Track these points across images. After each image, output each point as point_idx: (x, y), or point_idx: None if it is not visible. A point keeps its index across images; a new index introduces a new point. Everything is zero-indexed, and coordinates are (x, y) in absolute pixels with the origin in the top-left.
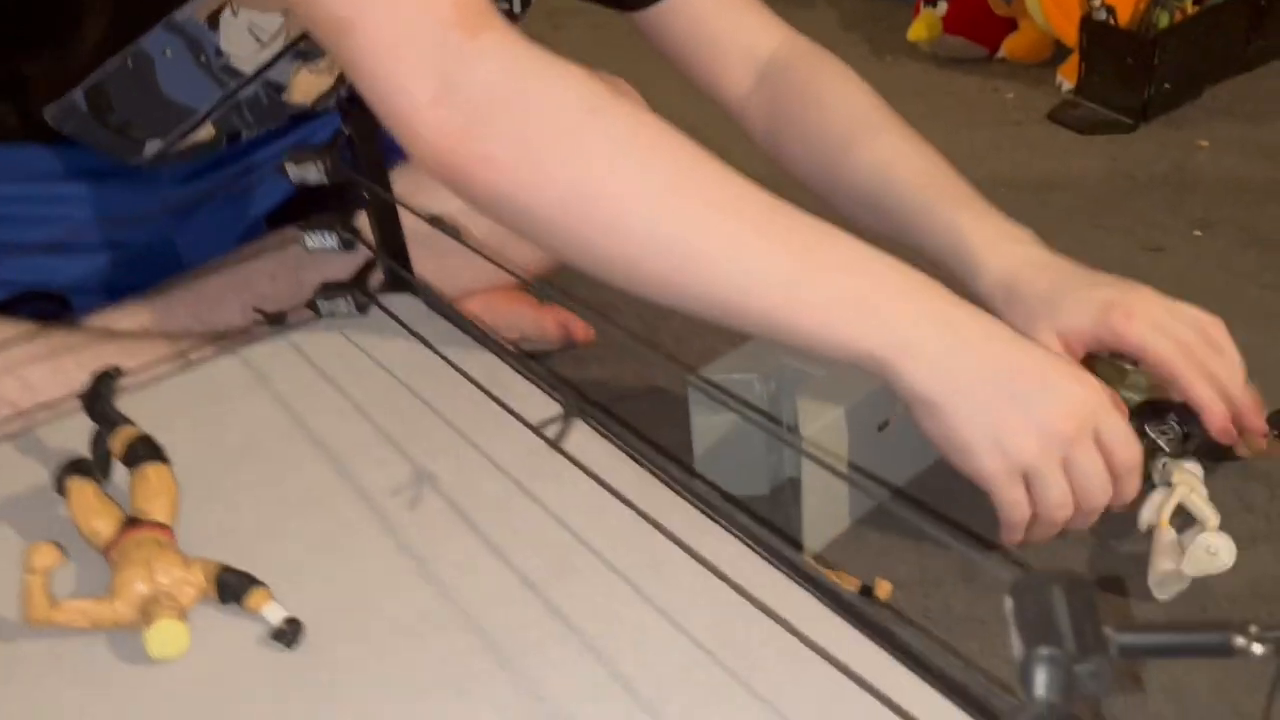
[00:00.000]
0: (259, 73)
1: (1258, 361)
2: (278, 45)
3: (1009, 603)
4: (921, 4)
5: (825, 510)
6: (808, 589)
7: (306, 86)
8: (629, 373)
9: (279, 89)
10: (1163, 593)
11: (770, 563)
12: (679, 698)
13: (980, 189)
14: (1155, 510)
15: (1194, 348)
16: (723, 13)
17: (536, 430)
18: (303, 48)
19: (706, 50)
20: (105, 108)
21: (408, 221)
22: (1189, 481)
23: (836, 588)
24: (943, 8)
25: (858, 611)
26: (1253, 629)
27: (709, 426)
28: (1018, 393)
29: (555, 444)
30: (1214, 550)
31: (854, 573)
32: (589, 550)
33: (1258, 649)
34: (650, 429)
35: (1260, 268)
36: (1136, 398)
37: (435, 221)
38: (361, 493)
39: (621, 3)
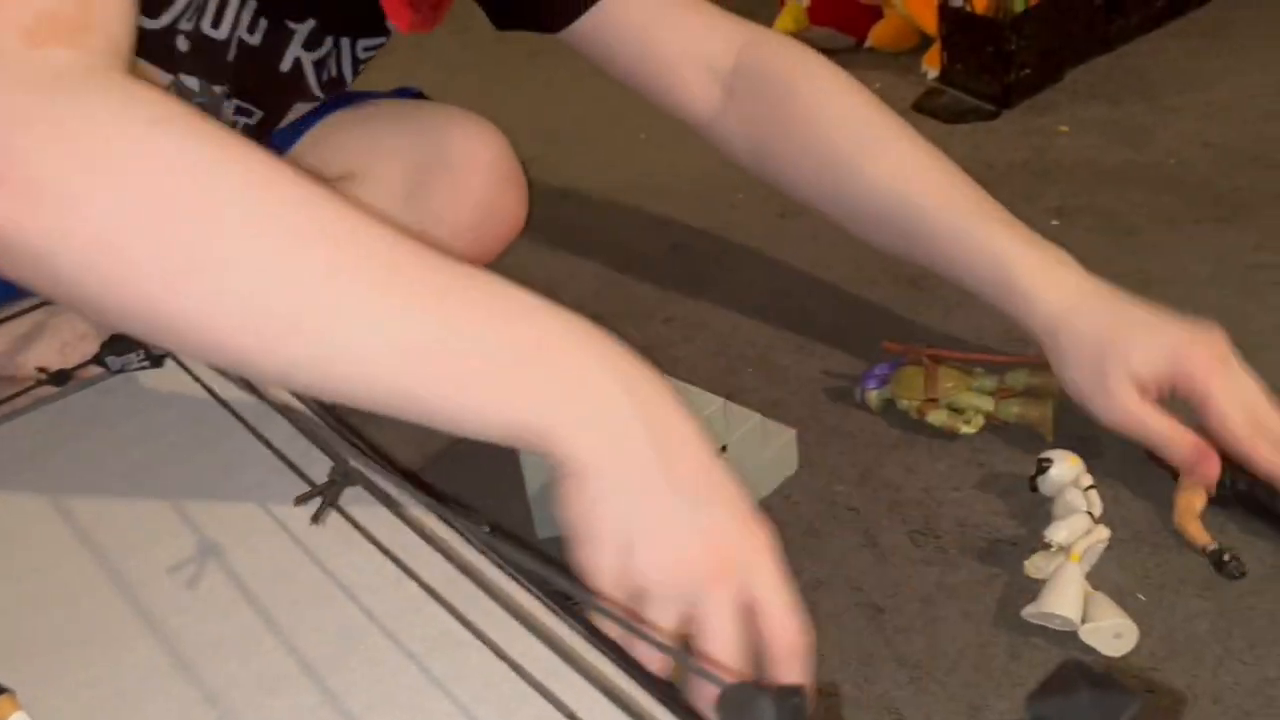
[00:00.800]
0: None
1: None
2: None
3: (716, 716)
4: None
5: None
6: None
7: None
8: None
9: None
10: (1038, 618)
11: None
12: None
13: None
14: (1075, 536)
15: (1257, 410)
16: (660, 19)
17: (308, 495)
18: None
19: (653, 65)
20: None
21: None
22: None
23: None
24: None
25: (662, 691)
26: None
27: (538, 464)
28: (682, 495)
29: (319, 513)
30: (1120, 634)
31: None
32: (373, 625)
33: None
34: (480, 473)
35: (1114, 254)
36: (985, 405)
37: None
38: (137, 571)
39: (541, 25)
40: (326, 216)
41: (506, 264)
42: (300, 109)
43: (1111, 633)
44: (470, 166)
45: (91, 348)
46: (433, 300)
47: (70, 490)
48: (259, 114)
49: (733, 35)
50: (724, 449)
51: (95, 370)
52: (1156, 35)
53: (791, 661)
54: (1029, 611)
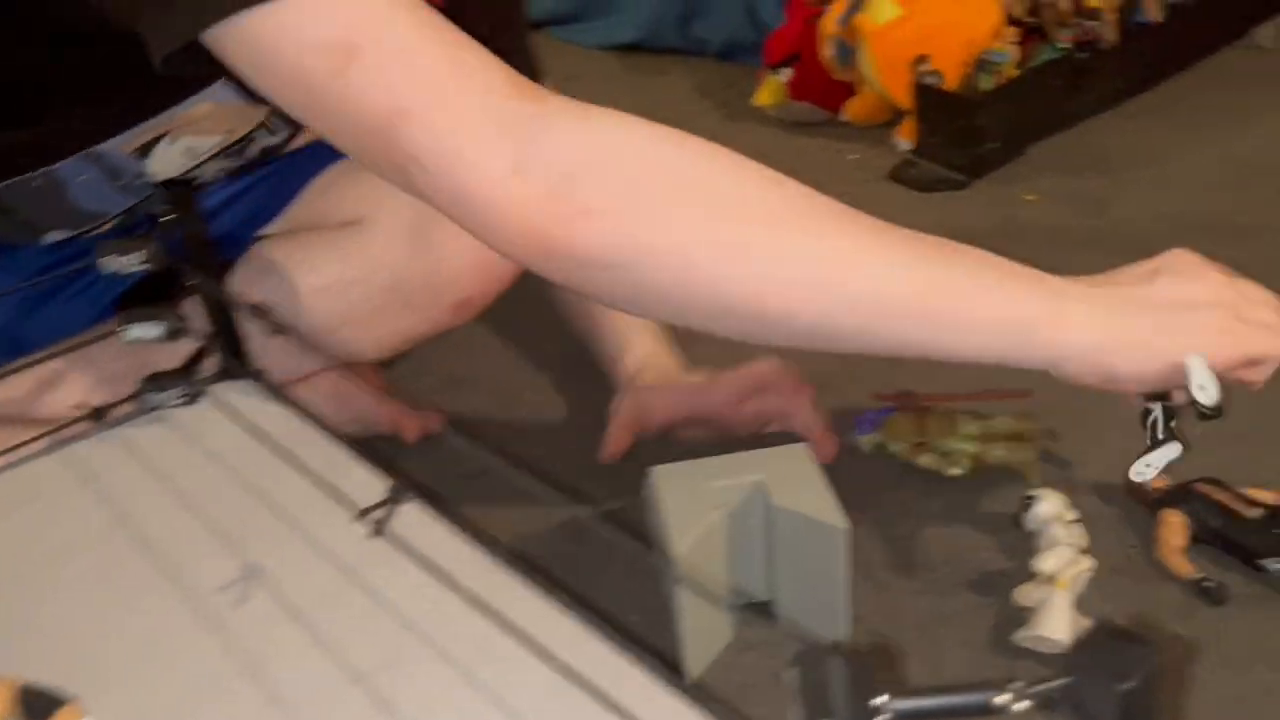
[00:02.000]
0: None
1: (1084, 403)
2: (208, 156)
3: (793, 674)
4: (766, 71)
5: (704, 630)
6: (662, 683)
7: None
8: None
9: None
10: (1029, 642)
11: (613, 648)
12: None
13: None
14: (1061, 566)
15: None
16: None
17: (364, 512)
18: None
19: None
20: (5, 209)
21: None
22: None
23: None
24: (786, 73)
25: (710, 704)
26: (1015, 684)
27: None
28: (1182, 293)
29: (378, 529)
30: None
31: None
32: (421, 640)
33: (1019, 706)
34: (502, 511)
35: None
36: (972, 449)
37: (257, 310)
38: (186, 592)
39: None
40: (868, 222)
41: (488, 320)
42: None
43: None
44: None
45: (127, 387)
46: (958, 265)
47: (114, 519)
48: (286, 131)
49: None
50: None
51: (131, 407)
52: (1112, 114)
53: None
54: (1020, 636)
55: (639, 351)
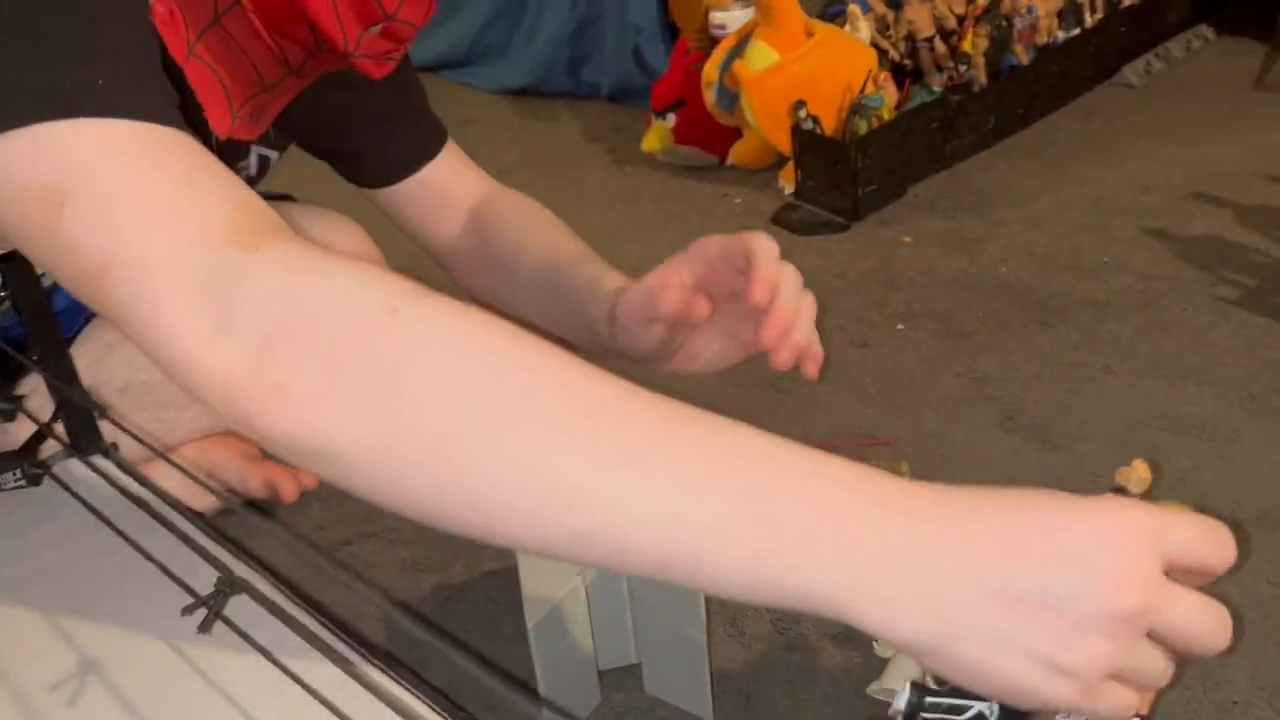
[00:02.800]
0: None
1: (949, 447)
2: None
3: None
4: (653, 117)
5: (570, 697)
6: None
7: None
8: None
9: None
10: (881, 694)
11: None
12: None
13: None
14: None
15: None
16: (458, 181)
17: (194, 605)
18: None
19: (432, 210)
20: None
21: (121, 373)
22: None
23: None
24: (672, 119)
25: None
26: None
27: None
28: (1037, 588)
29: (206, 622)
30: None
31: None
32: None
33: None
34: (377, 572)
35: (952, 357)
36: None
37: (87, 396)
38: (15, 690)
39: (360, 180)
40: (609, 389)
41: None
42: None
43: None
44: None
45: None
46: (729, 470)
47: None
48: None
49: (484, 186)
50: None
51: None
52: (986, 154)
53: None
54: (873, 689)
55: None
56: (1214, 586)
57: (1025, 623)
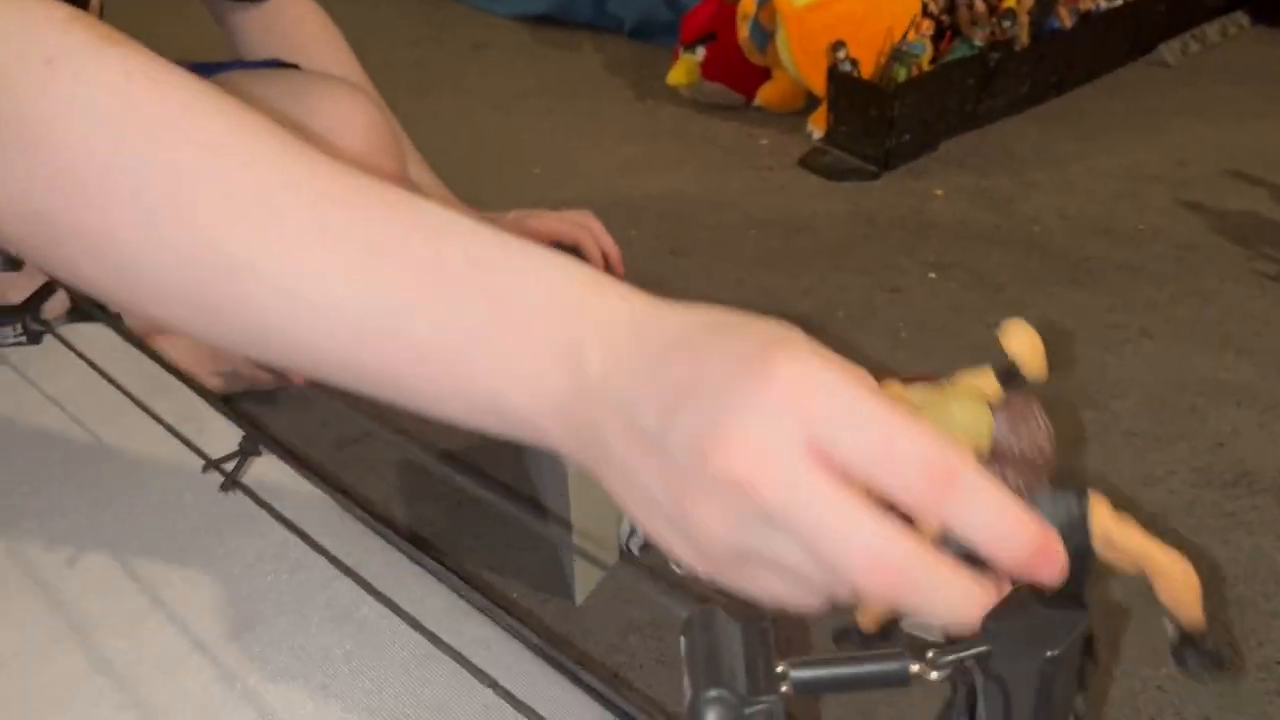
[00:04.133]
0: None
1: None
2: None
3: (682, 642)
4: (681, 49)
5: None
6: (520, 641)
7: None
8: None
9: None
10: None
11: (475, 608)
12: None
13: (733, 230)
14: None
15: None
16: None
17: (214, 464)
18: None
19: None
20: None
21: None
22: None
23: (544, 645)
24: (701, 53)
25: (562, 665)
26: (929, 655)
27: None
28: (656, 429)
29: (227, 482)
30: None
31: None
32: (274, 606)
33: (934, 675)
34: (376, 476)
35: (985, 307)
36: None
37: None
38: (11, 551)
39: None
40: (285, 149)
41: None
42: None
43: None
44: (342, 132)
45: None
46: (402, 257)
47: None
48: None
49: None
50: None
51: None
52: (1018, 118)
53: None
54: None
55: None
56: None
57: (641, 465)
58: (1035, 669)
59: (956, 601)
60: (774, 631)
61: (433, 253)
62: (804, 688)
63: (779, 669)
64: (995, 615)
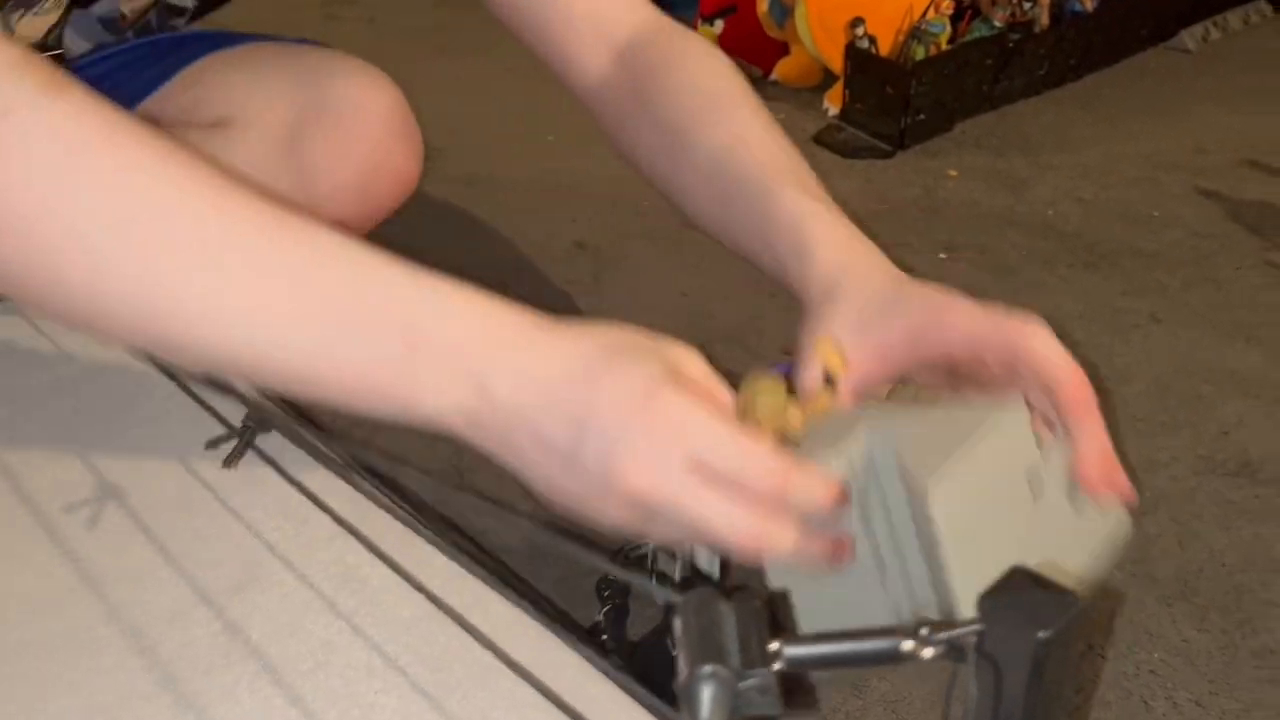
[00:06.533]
0: None
1: None
2: None
3: (676, 623)
4: (699, 21)
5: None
6: (516, 605)
7: (32, 30)
8: None
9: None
10: None
11: (474, 576)
12: None
13: None
14: None
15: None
16: None
17: (216, 441)
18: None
19: (560, 30)
20: None
21: None
22: None
23: (541, 606)
24: (719, 25)
25: (565, 628)
26: (923, 632)
27: None
28: (567, 448)
29: (232, 457)
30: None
31: None
32: (279, 560)
33: (928, 653)
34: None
35: (994, 290)
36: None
37: None
38: (24, 499)
39: None
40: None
41: (403, 250)
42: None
43: None
44: (359, 116)
45: None
46: (323, 274)
47: None
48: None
49: (639, 13)
50: None
51: None
52: (1035, 100)
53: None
54: None
55: (829, 252)
56: None
57: (552, 468)
58: (1028, 650)
59: (787, 545)
60: (766, 612)
61: (356, 298)
62: (797, 664)
63: (772, 646)
64: (992, 596)
